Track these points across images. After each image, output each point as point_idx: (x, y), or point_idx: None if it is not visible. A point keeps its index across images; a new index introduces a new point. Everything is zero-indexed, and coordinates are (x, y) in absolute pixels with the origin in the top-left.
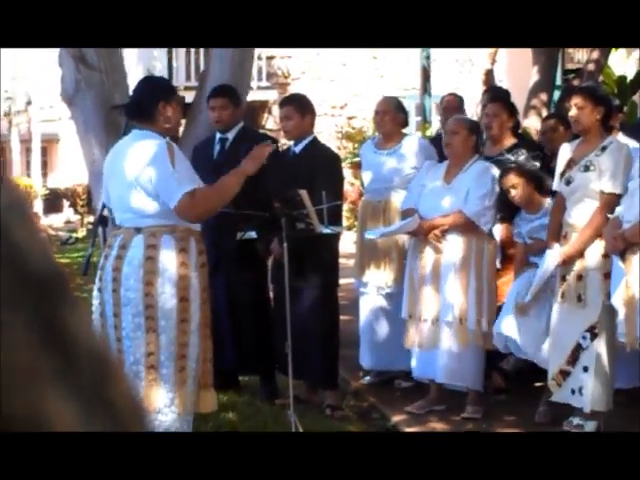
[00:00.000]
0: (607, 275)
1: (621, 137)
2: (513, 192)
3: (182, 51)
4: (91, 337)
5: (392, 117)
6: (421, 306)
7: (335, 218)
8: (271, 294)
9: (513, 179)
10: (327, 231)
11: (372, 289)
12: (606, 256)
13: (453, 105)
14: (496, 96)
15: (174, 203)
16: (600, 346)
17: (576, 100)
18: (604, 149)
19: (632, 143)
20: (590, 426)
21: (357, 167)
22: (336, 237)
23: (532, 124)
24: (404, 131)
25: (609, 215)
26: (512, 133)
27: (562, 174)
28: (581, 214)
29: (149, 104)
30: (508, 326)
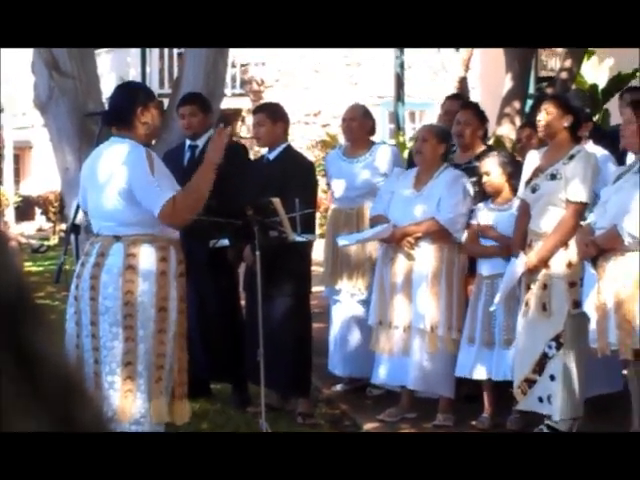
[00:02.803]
0: (572, 284)
1: (590, 146)
2: (486, 178)
3: (156, 57)
4: (57, 355)
5: (360, 124)
6: (392, 313)
7: (308, 226)
8: (243, 302)
9: (490, 166)
10: (300, 239)
11: (346, 296)
12: (571, 265)
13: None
14: (468, 104)
15: (157, 210)
16: (567, 355)
17: (546, 106)
18: (572, 158)
19: (600, 151)
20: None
21: None
22: (309, 245)
23: (505, 132)
24: (372, 138)
25: (581, 223)
26: (481, 141)
27: (528, 182)
28: (546, 222)
29: (127, 110)
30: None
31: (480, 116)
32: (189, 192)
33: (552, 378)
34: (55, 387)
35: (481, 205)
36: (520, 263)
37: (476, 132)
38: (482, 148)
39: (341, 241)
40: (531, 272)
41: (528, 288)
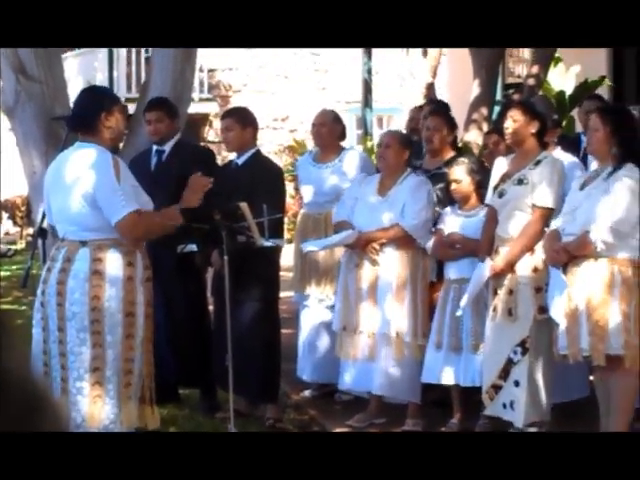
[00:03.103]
0: (538, 289)
1: (558, 152)
2: (455, 186)
3: (123, 62)
4: (21, 368)
5: (329, 129)
6: (357, 318)
7: (276, 231)
8: (211, 307)
9: (459, 174)
10: (268, 244)
11: (313, 301)
12: (536, 270)
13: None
14: (437, 109)
15: (116, 220)
16: (532, 360)
17: (512, 113)
18: (538, 163)
19: (569, 158)
20: None
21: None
22: (277, 250)
23: (473, 138)
24: (342, 144)
25: (546, 228)
26: (451, 147)
27: (495, 187)
28: (512, 228)
29: (91, 115)
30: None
31: (450, 122)
32: (156, 218)
33: (517, 384)
34: (19, 398)
35: (448, 210)
36: (486, 267)
37: (445, 138)
38: (451, 154)
39: (307, 247)
40: (497, 276)
41: (495, 293)
